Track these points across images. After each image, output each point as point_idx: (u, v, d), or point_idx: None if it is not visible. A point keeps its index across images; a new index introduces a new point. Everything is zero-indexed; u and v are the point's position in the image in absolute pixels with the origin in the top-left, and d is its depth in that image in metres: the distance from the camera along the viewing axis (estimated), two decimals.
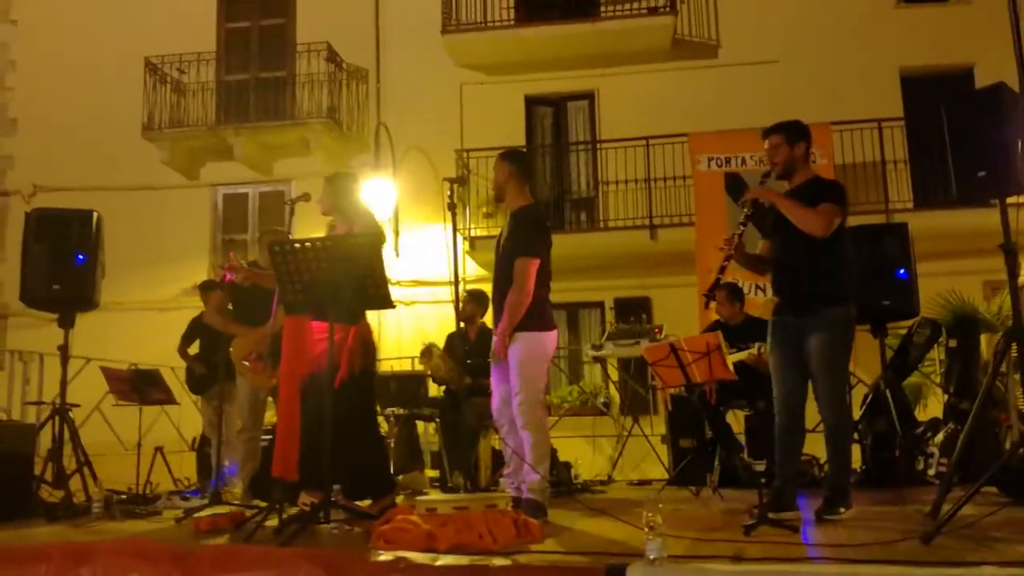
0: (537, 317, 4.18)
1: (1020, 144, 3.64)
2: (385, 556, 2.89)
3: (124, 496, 5.50)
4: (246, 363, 5.18)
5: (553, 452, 6.56)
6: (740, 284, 7.13)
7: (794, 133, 4.03)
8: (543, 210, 4.40)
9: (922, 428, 6.05)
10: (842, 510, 3.78)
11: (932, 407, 7.72)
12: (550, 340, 4.24)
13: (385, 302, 3.84)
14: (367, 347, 4.23)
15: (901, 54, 10.83)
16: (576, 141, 11.88)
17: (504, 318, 4.07)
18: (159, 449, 6.85)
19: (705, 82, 11.01)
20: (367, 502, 4.20)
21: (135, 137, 11.65)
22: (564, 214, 11.68)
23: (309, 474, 3.79)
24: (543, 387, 4.25)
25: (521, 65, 11.44)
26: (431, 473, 7.01)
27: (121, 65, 11.94)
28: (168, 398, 7.01)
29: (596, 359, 8.30)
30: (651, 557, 2.52)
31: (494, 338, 4.14)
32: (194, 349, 6.83)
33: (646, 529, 2.55)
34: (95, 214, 5.43)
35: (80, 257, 5.30)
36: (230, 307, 5.80)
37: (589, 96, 11.76)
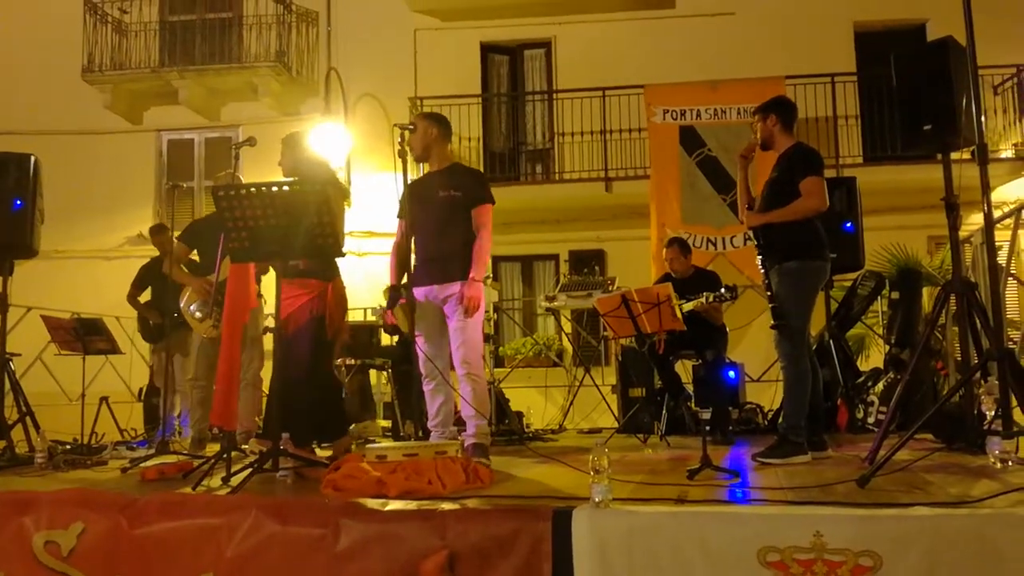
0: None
1: (965, 99, 3.70)
2: (335, 503, 2.90)
3: (68, 447, 5.41)
4: (192, 311, 5.11)
5: (505, 402, 6.66)
6: (688, 238, 7.22)
7: (766, 108, 4.32)
8: None
9: (863, 378, 6.23)
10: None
11: (874, 358, 7.96)
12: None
13: (334, 251, 3.78)
14: (342, 304, 4.35)
15: (855, 8, 10.88)
16: (532, 91, 11.77)
17: (478, 265, 4.12)
18: (104, 399, 6.73)
19: (662, 33, 10.95)
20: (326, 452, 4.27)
21: (75, 80, 11.20)
22: (520, 166, 11.61)
23: (289, 426, 3.82)
24: (482, 334, 4.36)
25: (476, 10, 11.24)
26: (383, 423, 7.03)
27: (61, 4, 11.43)
28: (112, 347, 6.86)
29: (549, 310, 8.35)
30: (596, 500, 2.57)
31: (465, 287, 4.11)
32: (145, 297, 6.70)
33: (592, 473, 2.59)
34: (32, 158, 5.23)
35: (17, 203, 5.11)
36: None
37: (546, 45, 11.62)
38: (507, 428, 6.27)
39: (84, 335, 6.55)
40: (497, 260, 10.87)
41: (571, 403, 7.91)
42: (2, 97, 11.48)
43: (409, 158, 4.01)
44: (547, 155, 11.42)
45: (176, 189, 5.90)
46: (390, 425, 6.75)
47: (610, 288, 7.29)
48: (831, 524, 2.38)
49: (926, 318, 6.25)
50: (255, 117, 10.92)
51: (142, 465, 4.17)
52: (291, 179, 4.19)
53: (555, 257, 11.15)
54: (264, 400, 5.19)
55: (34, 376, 7.57)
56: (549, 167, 11.33)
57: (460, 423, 4.29)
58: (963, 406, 4.04)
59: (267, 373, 4.74)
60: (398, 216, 4.37)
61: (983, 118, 3.82)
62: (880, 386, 5.95)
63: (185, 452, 4.85)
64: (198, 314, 5.19)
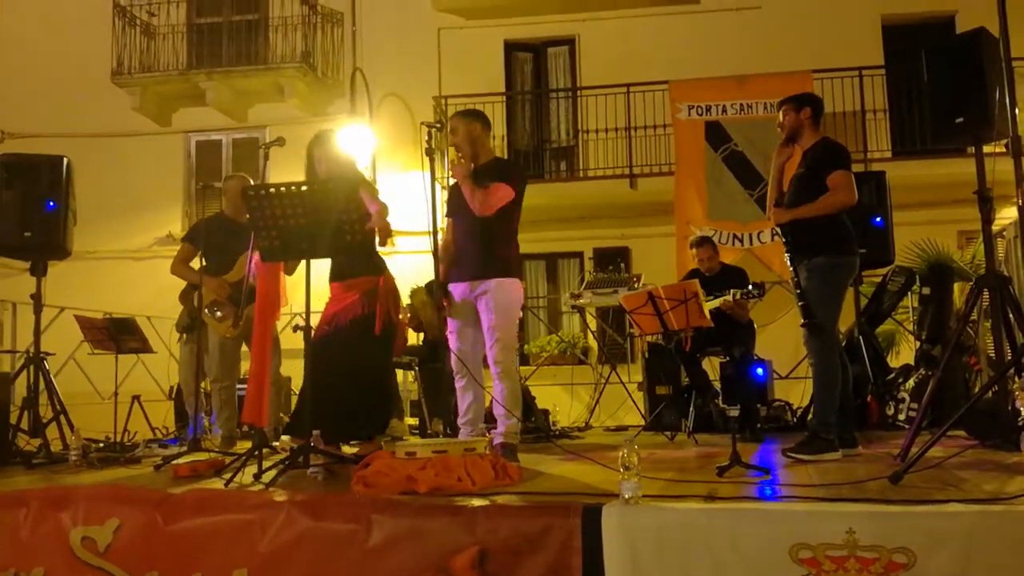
0: (518, 265, 4.29)
1: (998, 91, 3.64)
2: (366, 499, 2.92)
3: (101, 444, 5.48)
4: (211, 311, 5.16)
5: (531, 399, 6.66)
6: (714, 234, 7.19)
7: (801, 100, 4.29)
8: None
9: (894, 374, 6.16)
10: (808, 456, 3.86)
11: (904, 354, 7.86)
12: (521, 289, 4.35)
13: (366, 248, 3.82)
14: (395, 299, 4.38)
15: (883, 1, 10.75)
16: (556, 88, 11.75)
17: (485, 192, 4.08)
18: (136, 398, 6.82)
19: (686, 28, 10.89)
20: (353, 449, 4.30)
21: (105, 82, 11.36)
22: (544, 163, 11.61)
23: (334, 424, 3.86)
24: (516, 333, 4.34)
25: (500, 9, 11.24)
26: (411, 421, 7.06)
27: (90, 7, 11.60)
28: (144, 347, 6.96)
29: (575, 308, 8.34)
30: (626, 497, 2.56)
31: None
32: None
33: (621, 469, 2.59)
34: (65, 160, 5.30)
35: (51, 204, 5.17)
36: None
37: (569, 42, 11.60)
38: (534, 426, 6.27)
39: (116, 334, 6.65)
40: (522, 257, 10.84)
41: (597, 401, 7.90)
42: (33, 100, 11.68)
43: (437, 156, 4.02)
44: (571, 152, 11.41)
45: (207, 190, 5.95)
46: (417, 423, 6.78)
47: (636, 285, 7.27)
48: (864, 521, 2.36)
49: (957, 313, 6.17)
50: (282, 118, 11.00)
51: (175, 462, 4.22)
52: (321, 179, 4.21)
53: (580, 255, 11.13)
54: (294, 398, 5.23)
55: (67, 375, 7.70)
56: (573, 164, 11.32)
57: (490, 420, 4.30)
58: (997, 402, 3.98)
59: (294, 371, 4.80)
60: (445, 215, 4.38)
61: (1015, 110, 3.76)
62: (911, 382, 5.89)
63: (216, 450, 4.90)
64: (218, 314, 5.23)
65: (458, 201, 4.22)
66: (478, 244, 4.16)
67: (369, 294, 4.20)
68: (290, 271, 4.89)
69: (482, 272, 4.14)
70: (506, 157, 10.79)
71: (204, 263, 5.15)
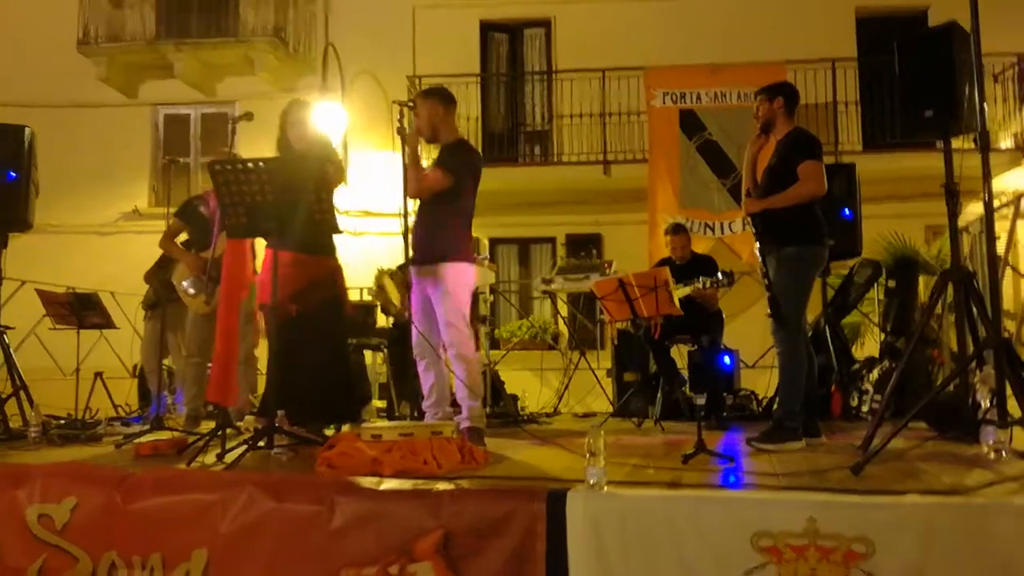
0: (467, 248, 4.27)
1: (967, 85, 3.68)
2: (330, 480, 2.90)
3: (62, 421, 5.40)
4: (185, 287, 5.09)
5: (500, 384, 6.66)
6: (685, 223, 7.21)
7: (774, 89, 4.29)
8: None
9: (858, 365, 6.24)
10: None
11: (869, 346, 7.97)
12: (472, 272, 4.32)
13: (331, 226, 3.77)
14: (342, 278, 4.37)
15: None
16: (531, 71, 11.69)
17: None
18: (99, 375, 6.72)
19: (662, 14, 10.87)
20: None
21: (71, 51, 11.08)
22: (518, 147, 11.55)
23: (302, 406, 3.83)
24: (469, 316, 4.33)
25: None
26: (379, 403, 7.03)
27: None
28: (107, 322, 6.85)
29: (546, 293, 8.33)
30: (591, 482, 2.57)
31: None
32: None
33: (587, 455, 2.60)
34: (27, 129, 5.17)
35: (11, 175, 5.05)
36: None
37: (546, 24, 11.53)
38: (502, 410, 6.27)
39: (79, 309, 6.53)
40: (494, 242, 10.85)
41: (566, 386, 7.92)
42: None
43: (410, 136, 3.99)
44: (546, 137, 11.37)
45: (173, 164, 5.85)
46: (385, 406, 6.75)
47: (607, 271, 7.28)
48: (825, 510, 2.39)
49: (921, 307, 6.25)
50: (252, 92, 10.80)
51: (136, 441, 4.16)
52: (289, 156, 4.15)
53: (552, 240, 11.12)
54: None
55: (28, 350, 7.54)
56: (548, 149, 11.28)
57: (455, 405, 4.29)
58: (958, 395, 4.05)
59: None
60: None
61: (984, 105, 3.80)
62: (875, 374, 5.96)
63: (180, 429, 4.85)
64: (191, 290, 5.16)
65: None
66: (426, 228, 4.17)
67: (336, 273, 4.18)
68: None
69: (430, 256, 4.14)
70: (478, 140, 10.75)
71: (188, 239, 5.11)
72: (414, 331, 4.18)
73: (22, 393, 5.03)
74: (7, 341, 5.20)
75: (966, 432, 3.80)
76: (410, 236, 4.24)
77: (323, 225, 3.64)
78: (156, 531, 2.78)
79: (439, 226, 4.15)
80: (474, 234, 4.53)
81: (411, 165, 4.12)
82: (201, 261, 5.06)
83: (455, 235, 4.18)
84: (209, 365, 5.56)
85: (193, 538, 2.74)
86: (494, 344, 9.69)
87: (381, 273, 6.68)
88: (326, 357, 4.13)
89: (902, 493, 2.50)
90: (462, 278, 4.17)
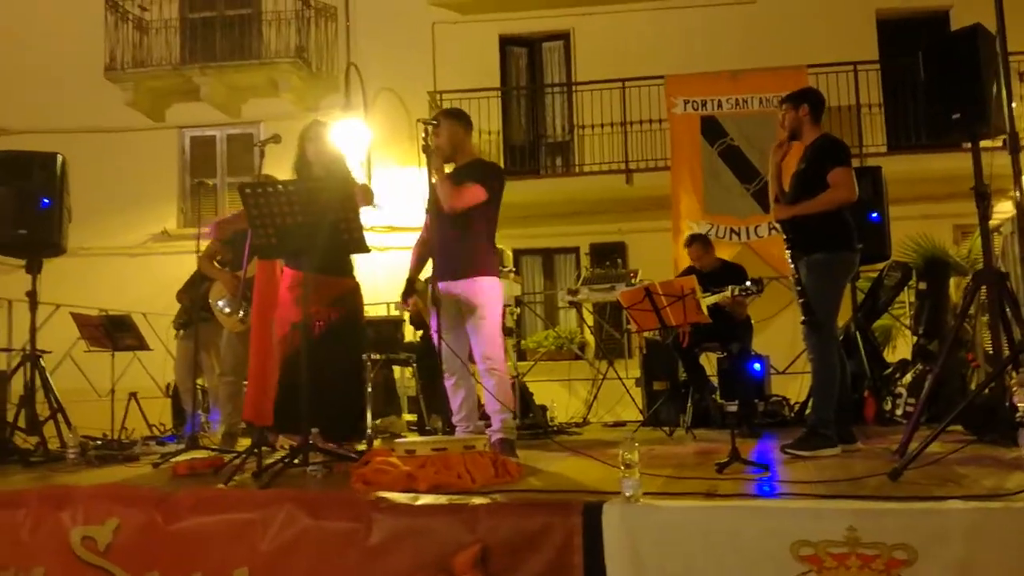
0: (495, 263, 4.35)
1: (995, 86, 3.64)
2: (366, 497, 2.91)
3: (99, 442, 5.47)
4: (221, 306, 5.15)
5: (529, 395, 6.66)
6: (708, 232, 7.19)
7: (799, 97, 4.29)
8: None
9: (891, 369, 6.18)
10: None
11: (901, 349, 7.88)
12: (500, 286, 4.36)
13: (359, 246, 3.80)
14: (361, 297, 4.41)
15: None
16: (551, 83, 11.73)
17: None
18: (133, 395, 6.81)
19: (681, 23, 10.88)
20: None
21: (98, 78, 11.30)
22: (540, 158, 11.59)
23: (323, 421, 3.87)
24: (499, 329, 4.36)
25: (495, 3, 11.22)
26: (409, 417, 7.06)
27: (82, 2, 11.52)
28: (140, 344, 6.94)
29: (572, 304, 8.33)
30: (627, 494, 2.56)
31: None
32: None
33: (622, 467, 2.59)
34: (59, 156, 5.28)
35: (45, 201, 5.15)
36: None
37: (564, 36, 11.58)
38: (532, 422, 6.28)
39: (112, 332, 6.63)
40: (518, 253, 10.87)
41: (595, 396, 7.91)
42: (25, 96, 11.60)
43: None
44: (567, 148, 11.40)
45: (201, 186, 5.93)
46: (415, 420, 6.78)
47: (633, 281, 7.27)
48: (864, 518, 2.37)
49: (953, 308, 6.18)
50: (276, 113, 10.96)
51: (173, 460, 4.21)
52: (308, 174, 4.20)
53: (576, 250, 11.13)
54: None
55: (64, 373, 7.65)
56: (569, 160, 11.31)
57: (485, 418, 4.30)
58: (995, 397, 3.99)
59: None
60: (426, 211, 4.38)
61: (1012, 105, 3.76)
62: (908, 378, 5.90)
63: (215, 447, 4.90)
64: (227, 309, 5.22)
65: (437, 198, 4.23)
66: (456, 243, 4.18)
67: (356, 293, 4.21)
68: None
69: (460, 271, 4.15)
70: (500, 153, 10.81)
71: (222, 259, 5.20)
72: (442, 347, 4.19)
73: (59, 415, 5.11)
74: (43, 365, 5.29)
75: (1004, 435, 3.75)
76: (417, 249, 4.36)
77: (351, 245, 3.68)
78: (197, 550, 2.81)
79: (470, 240, 4.18)
80: (499, 245, 4.58)
81: (442, 180, 4.15)
82: (237, 280, 5.12)
83: (485, 249, 4.24)
84: (244, 383, 5.63)
85: (233, 557, 2.76)
86: (521, 355, 9.71)
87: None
88: (339, 375, 4.11)
89: (943, 499, 2.47)
90: (495, 291, 4.21)
